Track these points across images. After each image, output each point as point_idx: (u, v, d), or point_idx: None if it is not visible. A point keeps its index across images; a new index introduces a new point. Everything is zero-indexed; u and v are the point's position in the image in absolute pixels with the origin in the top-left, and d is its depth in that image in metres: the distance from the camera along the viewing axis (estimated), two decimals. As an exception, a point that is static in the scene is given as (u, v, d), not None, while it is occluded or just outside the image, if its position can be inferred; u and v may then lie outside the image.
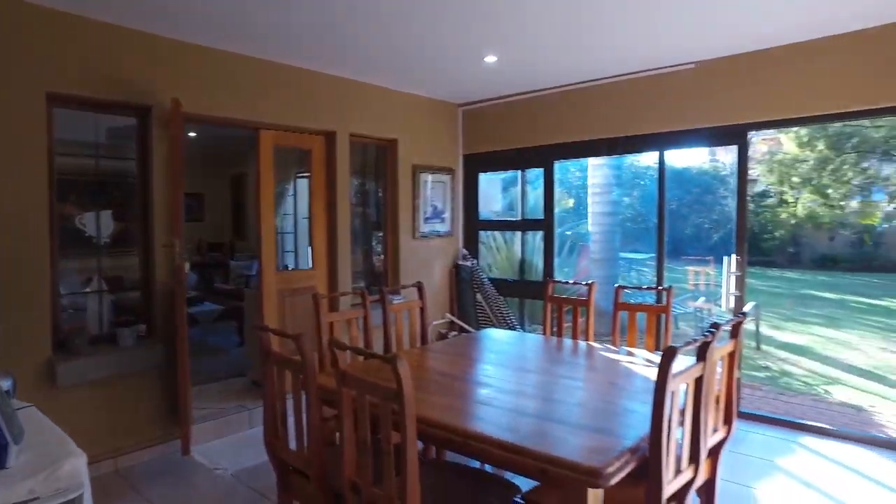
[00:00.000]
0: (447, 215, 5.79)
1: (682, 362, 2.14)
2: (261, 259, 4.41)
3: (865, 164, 13.98)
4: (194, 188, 8.46)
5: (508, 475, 2.87)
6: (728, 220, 16.86)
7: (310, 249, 4.87)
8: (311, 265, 4.86)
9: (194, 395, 4.23)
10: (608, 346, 3.33)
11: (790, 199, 16.18)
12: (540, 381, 2.71)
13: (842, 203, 15.26)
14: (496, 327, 5.52)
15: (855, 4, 3.34)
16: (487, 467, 2.98)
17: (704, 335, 2.00)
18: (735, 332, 2.41)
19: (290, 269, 5.17)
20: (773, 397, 5.26)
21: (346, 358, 2.00)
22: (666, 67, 4.51)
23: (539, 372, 2.87)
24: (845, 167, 13.94)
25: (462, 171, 5.95)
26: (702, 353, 2.02)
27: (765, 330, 7.97)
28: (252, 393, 4.59)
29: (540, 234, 5.55)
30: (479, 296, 5.70)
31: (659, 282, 4.65)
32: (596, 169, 7.65)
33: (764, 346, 7.07)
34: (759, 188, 17.04)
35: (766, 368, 6.22)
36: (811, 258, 15.62)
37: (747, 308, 7.07)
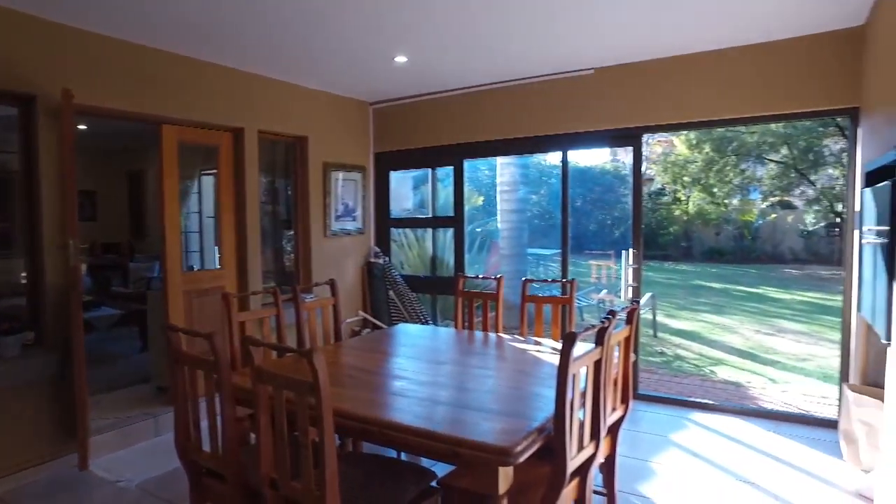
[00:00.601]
0: (359, 213, 5.79)
1: (583, 348, 2.30)
2: (164, 260, 4.22)
3: (744, 166, 15.34)
4: (85, 185, 7.90)
5: (426, 463, 2.96)
6: (628, 217, 17.90)
7: (217, 249, 4.71)
8: (218, 265, 4.71)
9: (94, 405, 3.99)
10: (517, 336, 3.49)
11: (682, 197, 17.46)
12: (453, 371, 2.81)
13: (726, 201, 16.67)
14: (409, 323, 5.60)
15: (732, 26, 3.71)
16: (405, 457, 3.05)
17: (602, 322, 2.17)
18: (630, 319, 2.62)
19: (196, 269, 4.97)
20: (668, 379, 5.70)
21: (260, 355, 1.99)
22: (568, 72, 4.77)
23: (452, 363, 2.97)
24: (727, 168, 15.24)
25: (373, 169, 5.97)
26: (600, 339, 2.19)
27: (661, 318, 8.57)
28: (158, 399, 4.38)
29: (451, 231, 5.67)
30: (391, 293, 5.75)
31: (564, 275, 4.91)
32: (504, 168, 7.91)
33: (660, 334, 7.61)
34: (655, 187, 18.26)
35: (662, 354, 6.71)
36: (701, 251, 16.96)
37: (644, 299, 7.60)
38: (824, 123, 12.82)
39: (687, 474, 3.37)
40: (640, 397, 4.69)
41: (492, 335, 3.56)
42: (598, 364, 2.19)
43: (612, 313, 2.28)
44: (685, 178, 16.17)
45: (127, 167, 8.42)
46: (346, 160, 5.64)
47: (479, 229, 9.99)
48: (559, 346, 1.99)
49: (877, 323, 2.89)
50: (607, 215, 17.08)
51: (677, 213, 17.58)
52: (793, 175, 14.41)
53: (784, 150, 14.01)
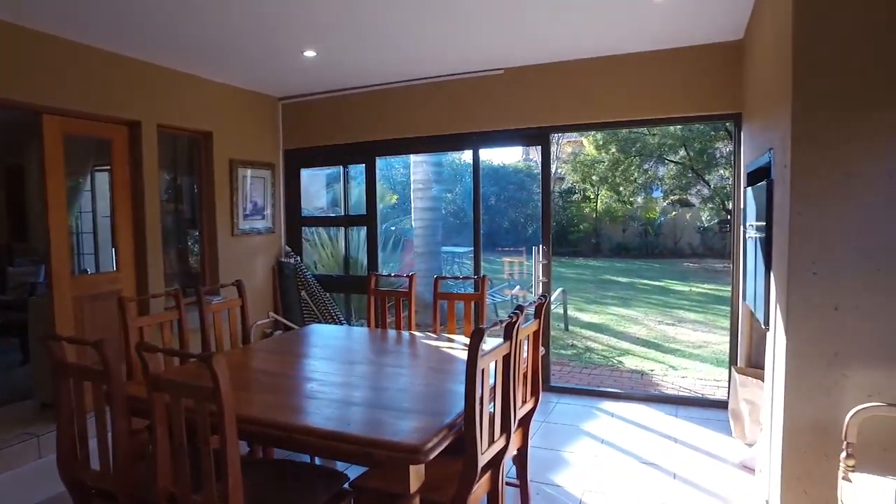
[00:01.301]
0: (268, 212, 5.60)
1: (491, 343, 2.34)
2: (50, 263, 3.89)
3: (646, 166, 16.23)
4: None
5: (341, 466, 2.91)
6: (540, 215, 18.46)
7: (114, 251, 4.40)
8: (115, 267, 4.39)
9: (-35, 424, 3.62)
10: (429, 334, 3.50)
11: (591, 196, 18.23)
12: (365, 371, 2.77)
13: (631, 199, 17.58)
14: (320, 323, 5.49)
15: (623, 35, 3.93)
16: (319, 461, 2.98)
17: (510, 317, 2.21)
18: (538, 313, 2.70)
19: (89, 272, 4.62)
20: (579, 371, 5.93)
21: (160, 363, 1.88)
22: (478, 72, 4.84)
23: (364, 363, 2.93)
24: (632, 168, 16.05)
25: (283, 167, 5.79)
26: (508, 333, 2.23)
27: (572, 312, 8.91)
28: (43, 417, 4.03)
29: (364, 230, 5.61)
30: (303, 293, 5.61)
31: (476, 272, 4.98)
32: (417, 166, 7.93)
33: (571, 327, 7.91)
34: (566, 185, 18.96)
35: (573, 346, 6.98)
36: (609, 247, 17.78)
37: (555, 294, 7.88)
38: (715, 127, 13.79)
39: (596, 461, 3.52)
40: (552, 389, 4.85)
41: (405, 334, 3.55)
42: (507, 358, 2.24)
43: (520, 308, 2.33)
44: (593, 178, 16.88)
45: (2, 162, 7.66)
46: (255, 157, 5.44)
47: (393, 227, 9.96)
48: (492, 324, 2.03)
49: (757, 311, 3.14)
50: (520, 213, 17.53)
51: (587, 210, 18.34)
52: (690, 175, 15.40)
53: (682, 152, 14.94)
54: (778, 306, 2.62)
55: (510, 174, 17.49)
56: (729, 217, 15.53)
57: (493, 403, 2.23)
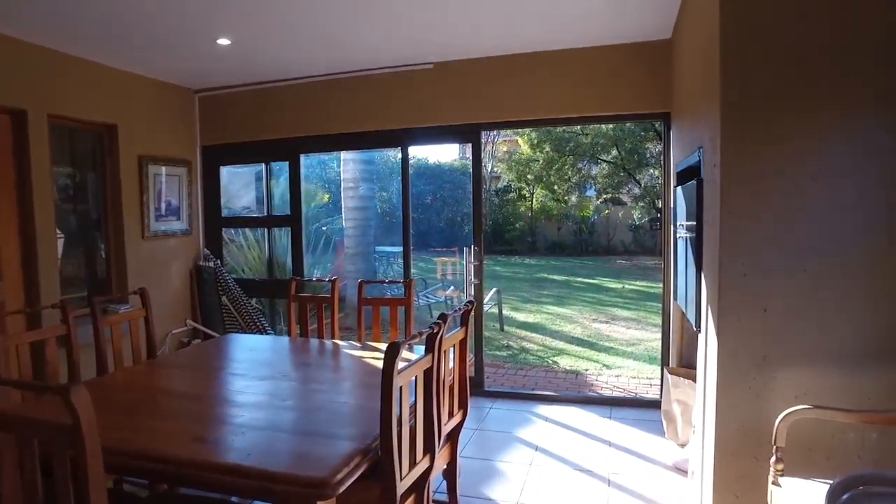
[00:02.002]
0: (185, 212, 5.21)
1: (411, 357, 2.16)
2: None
3: (580, 165, 16.51)
4: None
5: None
6: (477, 214, 18.45)
7: (-3, 256, 3.92)
8: (-2, 276, 3.92)
9: None
10: (353, 343, 3.28)
11: (527, 194, 18.39)
12: (279, 388, 2.52)
13: (565, 198, 17.85)
14: (244, 331, 5.16)
15: (549, 29, 3.83)
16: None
17: (431, 327, 2.03)
18: (465, 320, 2.53)
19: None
20: (514, 372, 5.84)
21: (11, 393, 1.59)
22: (407, 65, 4.64)
23: (279, 378, 2.68)
24: (566, 167, 16.28)
25: (201, 164, 5.40)
26: (430, 345, 2.05)
27: (507, 312, 8.85)
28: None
29: (289, 231, 5.30)
30: (224, 298, 5.26)
31: (406, 274, 4.78)
32: (347, 164, 7.66)
33: (506, 328, 7.84)
34: (502, 184, 19.05)
35: (508, 347, 6.90)
36: (545, 246, 17.97)
37: (490, 294, 7.79)
38: (645, 128, 14.17)
39: (531, 470, 3.39)
40: (486, 394, 4.72)
41: (328, 343, 3.32)
42: (429, 373, 2.06)
43: (443, 317, 2.16)
44: (529, 176, 17.02)
45: None
46: (168, 153, 5.03)
47: (325, 228, 9.62)
48: (410, 337, 1.84)
49: (689, 311, 3.10)
50: (457, 212, 17.46)
51: (522, 209, 18.48)
52: (622, 174, 15.77)
53: (614, 152, 15.28)
54: (709, 308, 2.56)
55: (446, 172, 17.37)
56: (659, 215, 16.02)
57: (414, 420, 2.04)
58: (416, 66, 4.61)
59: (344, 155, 7.72)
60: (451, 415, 2.46)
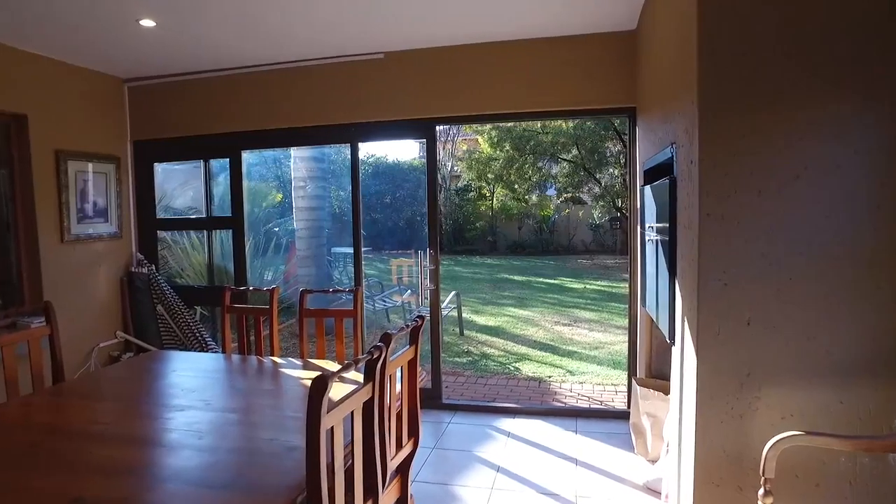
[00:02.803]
0: (113, 213, 4.73)
1: (344, 389, 1.84)
2: None
3: (541, 164, 16.40)
4: None
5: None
6: (436, 213, 18.16)
7: None
8: None
9: None
10: (293, 360, 2.93)
11: (487, 193, 18.19)
12: (194, 422, 2.15)
13: (526, 197, 17.72)
14: (183, 344, 4.73)
15: (505, 18, 3.55)
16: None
17: (370, 353, 1.71)
18: (414, 337, 2.22)
19: None
20: (474, 381, 5.56)
21: None
22: (356, 55, 4.30)
23: (199, 407, 2.31)
24: (527, 166, 16.14)
25: (132, 161, 4.93)
26: (369, 373, 1.73)
27: (467, 315, 8.58)
28: None
29: (230, 234, 4.89)
30: (160, 307, 4.81)
31: (357, 278, 4.44)
32: (298, 161, 7.24)
33: (466, 332, 7.57)
34: (462, 183, 18.80)
35: (468, 353, 6.62)
36: (505, 245, 17.80)
37: (449, 297, 7.50)
38: (605, 126, 14.12)
39: (492, 495, 3.11)
40: (444, 406, 4.42)
41: (266, 361, 2.95)
42: (369, 405, 1.74)
43: (386, 339, 1.84)
44: (489, 175, 16.82)
45: None
46: (93, 148, 4.56)
47: (276, 229, 9.16)
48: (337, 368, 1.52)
49: (661, 321, 2.86)
50: (416, 211, 17.14)
51: (483, 208, 18.28)
52: (582, 173, 15.71)
53: (574, 151, 15.20)
54: (685, 319, 2.32)
55: (405, 171, 17.01)
56: (619, 215, 16.06)
57: (352, 460, 1.72)
58: (366, 56, 4.28)
59: (294, 152, 7.30)
60: (399, 446, 2.15)
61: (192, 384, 2.60)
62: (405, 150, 19.40)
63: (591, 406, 4.65)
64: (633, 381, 3.65)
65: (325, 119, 4.47)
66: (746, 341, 2.08)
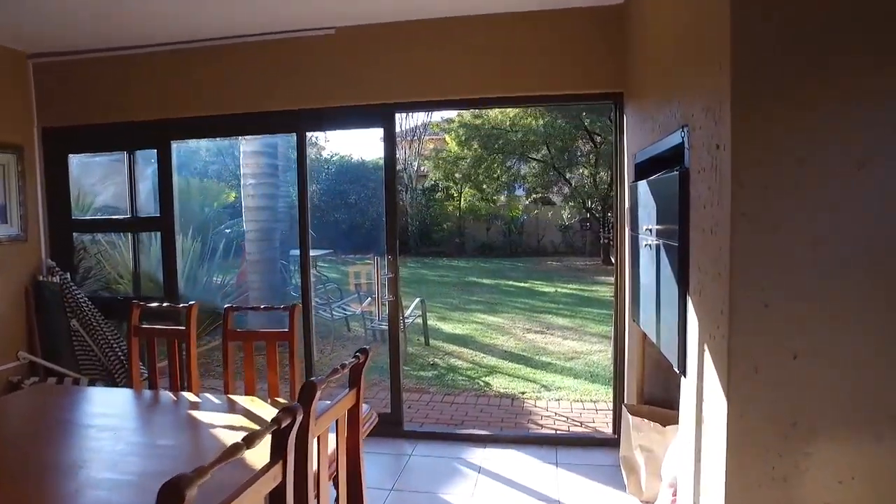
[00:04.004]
0: (15, 212, 4.03)
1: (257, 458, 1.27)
2: None
3: (510, 164, 15.98)
4: None
5: None
6: (403, 214, 17.58)
7: None
8: None
9: None
10: (211, 398, 2.33)
11: (455, 194, 17.68)
12: (56, 495, 1.55)
13: (494, 197, 17.28)
14: (104, 367, 4.07)
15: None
16: None
17: (275, 421, 1.14)
18: (355, 379, 1.66)
19: None
20: (440, 399, 5.02)
21: None
22: (303, 30, 3.71)
23: (64, 471, 1.70)
24: (495, 165, 15.70)
25: (41, 151, 4.23)
26: (278, 449, 1.16)
27: (434, 322, 8.03)
28: None
29: (159, 237, 4.23)
30: (74, 323, 4.12)
31: (304, 287, 3.84)
32: (248, 157, 6.58)
33: (433, 341, 7.02)
34: (429, 183, 18.25)
35: (434, 366, 6.08)
36: (473, 246, 17.30)
37: (413, 305, 6.94)
38: (577, 126, 13.77)
39: (456, 554, 2.57)
40: (406, 435, 3.86)
41: (184, 398, 2.34)
42: (279, 494, 1.17)
43: (308, 394, 1.28)
44: (457, 175, 16.34)
45: None
46: (-12, 136, 3.86)
47: (228, 230, 8.46)
48: (273, 411, 0.95)
49: (664, 345, 2.36)
50: (383, 211, 16.52)
51: (450, 209, 17.76)
52: (552, 173, 15.33)
53: (544, 150, 14.80)
54: (707, 348, 1.82)
55: (371, 170, 16.35)
56: (589, 216, 15.73)
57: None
58: (314, 31, 3.69)
59: (243, 146, 6.63)
60: (336, 526, 1.59)
61: (62, 440, 1.98)
62: (371, 149, 18.78)
63: (572, 430, 4.16)
64: (624, 409, 3.15)
65: (267, 104, 3.87)
66: (793, 380, 1.58)
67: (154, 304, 2.68)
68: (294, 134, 3.88)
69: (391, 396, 3.90)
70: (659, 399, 3.13)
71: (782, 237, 1.56)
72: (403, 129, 18.50)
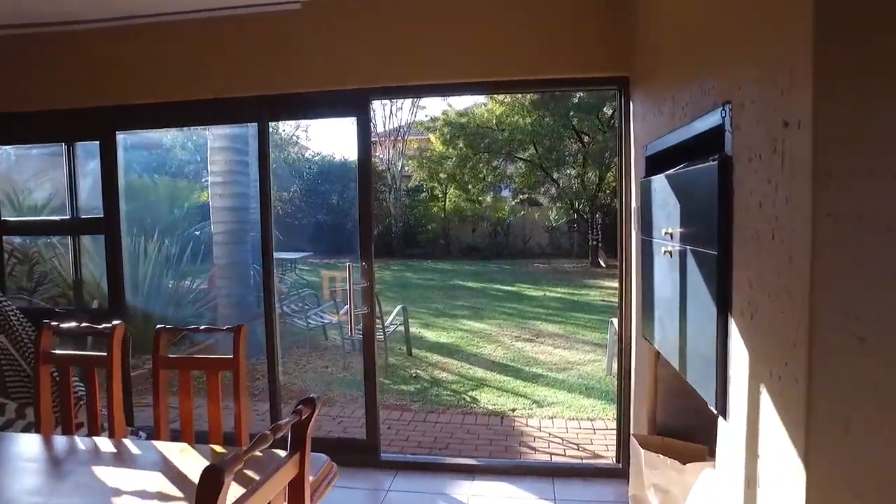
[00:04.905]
0: (-67, 214, 3.52)
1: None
2: None
3: (496, 163, 15.57)
4: None
5: None
6: (386, 216, 17.13)
7: None
8: None
9: None
10: (135, 444, 1.86)
11: (439, 194, 17.23)
12: None
13: (480, 198, 16.87)
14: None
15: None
16: None
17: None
18: (299, 441, 1.20)
19: None
20: (423, 419, 4.57)
21: None
22: (264, 5, 3.24)
23: None
24: (481, 165, 15.28)
25: (-35, 143, 3.72)
26: None
27: (418, 330, 7.59)
28: None
29: (102, 240, 3.73)
30: (2, 339, 3.60)
31: (267, 287, 3.37)
32: (217, 153, 6.07)
33: (416, 351, 6.56)
34: (413, 183, 17.79)
35: (417, 379, 5.62)
36: (459, 248, 16.85)
37: (393, 314, 6.47)
38: (565, 125, 13.40)
39: None
40: (383, 465, 3.41)
41: (96, 446, 1.87)
42: None
43: (211, 488, 0.82)
44: (441, 175, 15.90)
45: None
46: None
47: (198, 233, 7.93)
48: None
49: (692, 374, 1.94)
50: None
51: (435, 210, 17.32)
52: (539, 173, 14.94)
53: (531, 149, 14.41)
54: (766, 390, 1.39)
55: (354, 171, 15.84)
56: (577, 217, 15.36)
57: None
58: (277, 6, 3.23)
59: (210, 142, 6.12)
60: None
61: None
62: (354, 149, 18.26)
63: (569, 455, 3.75)
64: (633, 440, 2.73)
65: (225, 90, 3.39)
66: None
67: (67, 325, 2.19)
68: (255, 124, 3.39)
69: (366, 421, 3.44)
70: (674, 429, 2.71)
71: (887, 248, 1.13)
72: (387, 128, 18.05)
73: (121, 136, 3.59)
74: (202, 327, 2.17)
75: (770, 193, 1.34)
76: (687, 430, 2.65)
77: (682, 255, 2.00)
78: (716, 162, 1.65)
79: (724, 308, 1.63)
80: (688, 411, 2.67)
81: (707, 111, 1.78)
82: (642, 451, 2.58)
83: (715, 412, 1.72)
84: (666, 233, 2.20)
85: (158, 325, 2.07)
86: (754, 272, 1.45)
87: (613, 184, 14.44)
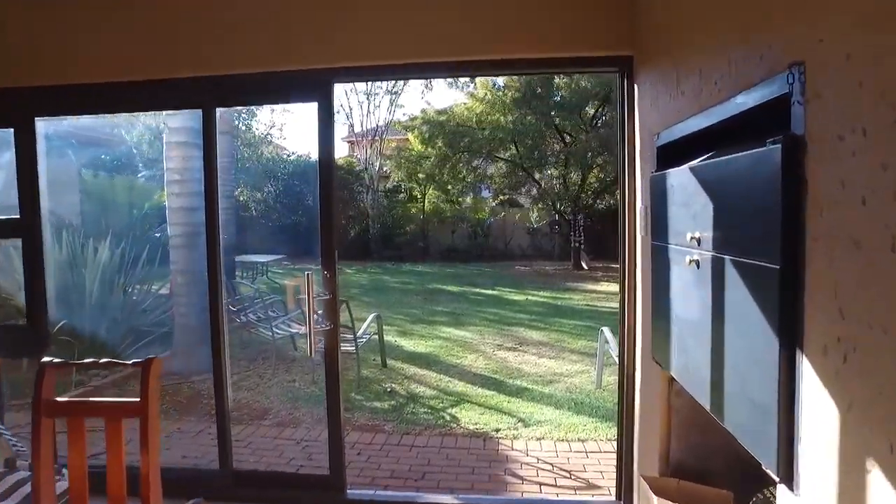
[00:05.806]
0: None
1: None
2: None
3: (476, 163, 15.17)
4: None
5: None
6: (364, 217, 16.62)
7: None
8: None
9: None
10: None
11: (418, 195, 16.78)
12: None
13: (459, 199, 16.45)
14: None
15: None
16: None
17: None
18: None
19: None
20: (397, 442, 4.12)
21: None
22: (209, -31, 2.77)
23: None
24: (460, 165, 14.87)
25: None
26: None
27: (393, 339, 7.13)
28: None
29: (20, 244, 3.20)
30: None
31: (213, 295, 2.89)
32: (172, 148, 5.54)
33: (391, 362, 6.09)
34: (391, 184, 17.30)
35: (392, 395, 5.15)
36: (438, 251, 16.39)
37: (368, 321, 6.00)
38: (547, 123, 13.06)
39: None
40: (346, 503, 2.94)
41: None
42: None
43: None
44: (420, 175, 15.45)
45: None
46: None
47: (158, 234, 7.38)
48: None
49: (732, 420, 1.51)
50: (342, 214, 15.56)
51: (413, 211, 16.85)
52: (520, 174, 14.58)
53: (513, 149, 14.04)
54: (877, 467, 0.97)
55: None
56: (559, 218, 15.02)
57: None
58: (224, -31, 2.75)
59: (166, 136, 5.59)
60: None
61: None
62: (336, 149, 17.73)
63: (560, 484, 3.33)
64: (642, 482, 2.30)
65: (162, 70, 2.89)
66: None
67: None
68: (199, 111, 2.90)
69: (330, 454, 2.97)
70: (691, 469, 2.29)
71: None
72: (365, 127, 17.54)
73: (41, 124, 3.06)
74: (102, 361, 1.68)
75: (883, 185, 0.92)
76: (706, 471, 2.24)
77: (717, 265, 1.58)
78: (778, 145, 1.23)
79: (790, 341, 1.21)
80: (707, 448, 2.27)
81: (759, 81, 1.36)
82: (654, 497, 2.16)
83: (775, 477, 1.30)
84: (692, 238, 1.78)
85: (43, 360, 1.58)
86: (848, 296, 1.03)
87: (596, 184, 14.13)
